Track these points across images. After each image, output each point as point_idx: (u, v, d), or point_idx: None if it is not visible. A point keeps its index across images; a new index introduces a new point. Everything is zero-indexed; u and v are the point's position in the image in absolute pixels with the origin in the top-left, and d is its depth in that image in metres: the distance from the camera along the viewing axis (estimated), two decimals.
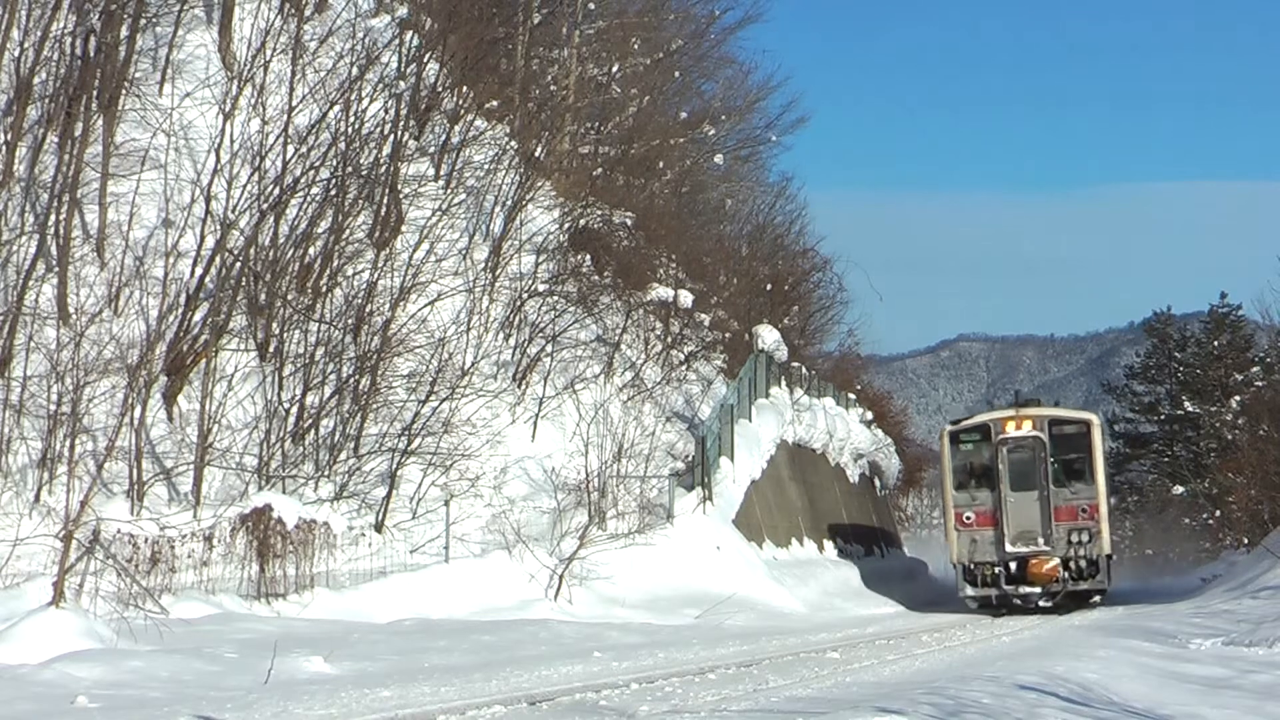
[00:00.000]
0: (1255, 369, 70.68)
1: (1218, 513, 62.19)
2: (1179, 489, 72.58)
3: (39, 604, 19.32)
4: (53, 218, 29.91)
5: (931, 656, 21.13)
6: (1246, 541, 51.34)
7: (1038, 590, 36.23)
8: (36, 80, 30.92)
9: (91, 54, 31.44)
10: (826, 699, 14.36)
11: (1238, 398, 68.19)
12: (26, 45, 30.90)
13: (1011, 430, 37.25)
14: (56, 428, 26.72)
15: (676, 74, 56.45)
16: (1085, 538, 36.30)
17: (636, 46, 53.18)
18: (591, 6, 51.36)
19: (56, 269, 29.52)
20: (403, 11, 40.32)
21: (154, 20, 34.36)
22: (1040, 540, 36.47)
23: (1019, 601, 36.24)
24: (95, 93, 31.50)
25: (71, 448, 26.65)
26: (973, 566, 36.50)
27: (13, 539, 23.56)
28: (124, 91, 32.50)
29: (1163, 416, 79.02)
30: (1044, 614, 35.32)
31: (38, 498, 26.12)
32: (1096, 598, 37.46)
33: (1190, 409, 75.00)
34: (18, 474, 26.60)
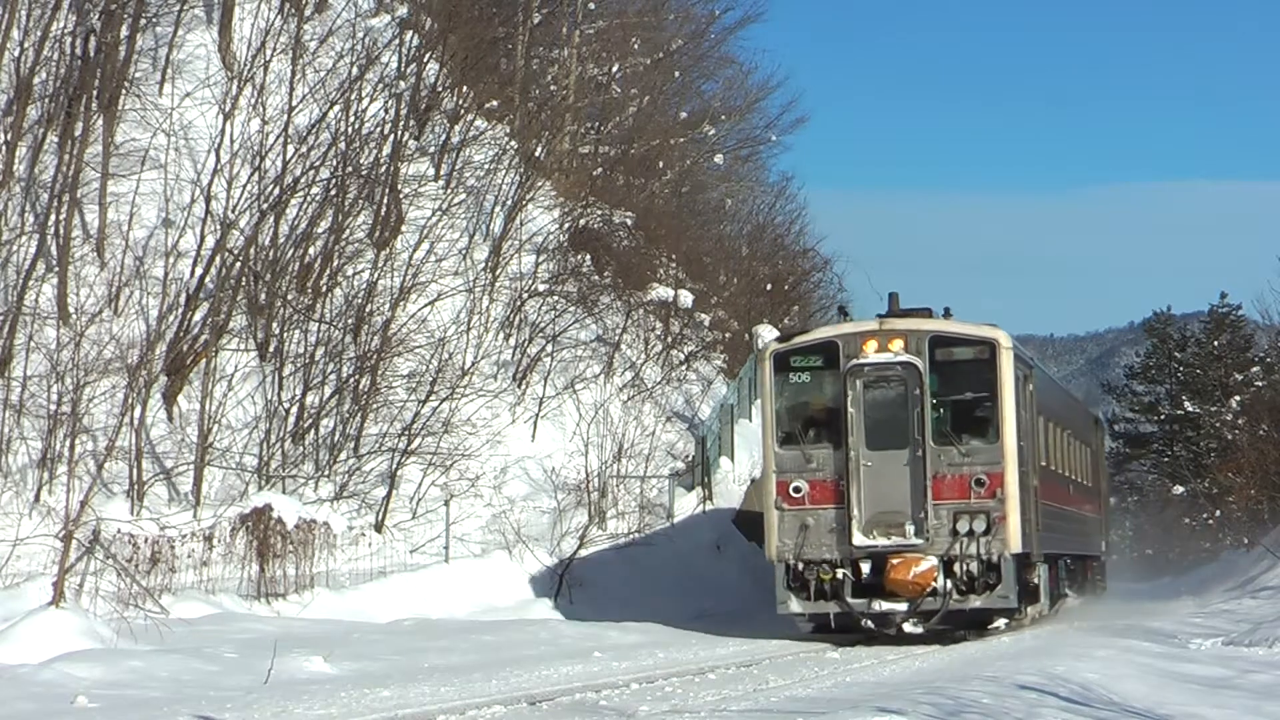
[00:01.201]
0: (1255, 369, 70.62)
1: (1218, 513, 62.17)
2: (1179, 489, 72.55)
3: (39, 604, 19.33)
4: (53, 218, 29.90)
5: (931, 656, 21.13)
6: (1246, 541, 51.30)
7: (901, 607, 23.86)
8: (36, 80, 30.92)
9: (91, 54, 31.43)
10: (826, 699, 14.37)
11: (1238, 398, 68.13)
12: (26, 45, 30.90)
13: (872, 354, 24.42)
14: (56, 428, 26.72)
15: (676, 74, 56.43)
16: (981, 526, 23.71)
17: (636, 46, 53.17)
18: (591, 6, 51.36)
19: (56, 269, 29.51)
20: (403, 11, 40.32)
21: (154, 20, 34.35)
22: (909, 528, 23.89)
23: (872, 624, 23.96)
24: (95, 93, 31.50)
25: (71, 448, 26.65)
26: (802, 566, 24.05)
27: (13, 539, 23.57)
28: (124, 91, 32.49)
29: (1163, 416, 79.00)
30: (915, 644, 23.41)
31: (38, 498, 26.13)
32: (1001, 622, 25.31)
33: (1190, 409, 74.97)
34: (18, 474, 26.60)
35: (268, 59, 34.75)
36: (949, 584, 23.87)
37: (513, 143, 43.77)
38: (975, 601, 24.06)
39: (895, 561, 23.80)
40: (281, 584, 26.13)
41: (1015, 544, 23.99)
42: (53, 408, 26.89)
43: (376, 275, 34.42)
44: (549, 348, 38.01)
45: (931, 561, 23.76)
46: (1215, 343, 76.45)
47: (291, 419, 30.59)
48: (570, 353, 38.68)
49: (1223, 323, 77.05)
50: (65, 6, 31.36)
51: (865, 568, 24.00)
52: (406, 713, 13.72)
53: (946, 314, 26.02)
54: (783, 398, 24.91)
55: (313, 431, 30.99)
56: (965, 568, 23.92)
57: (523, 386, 37.36)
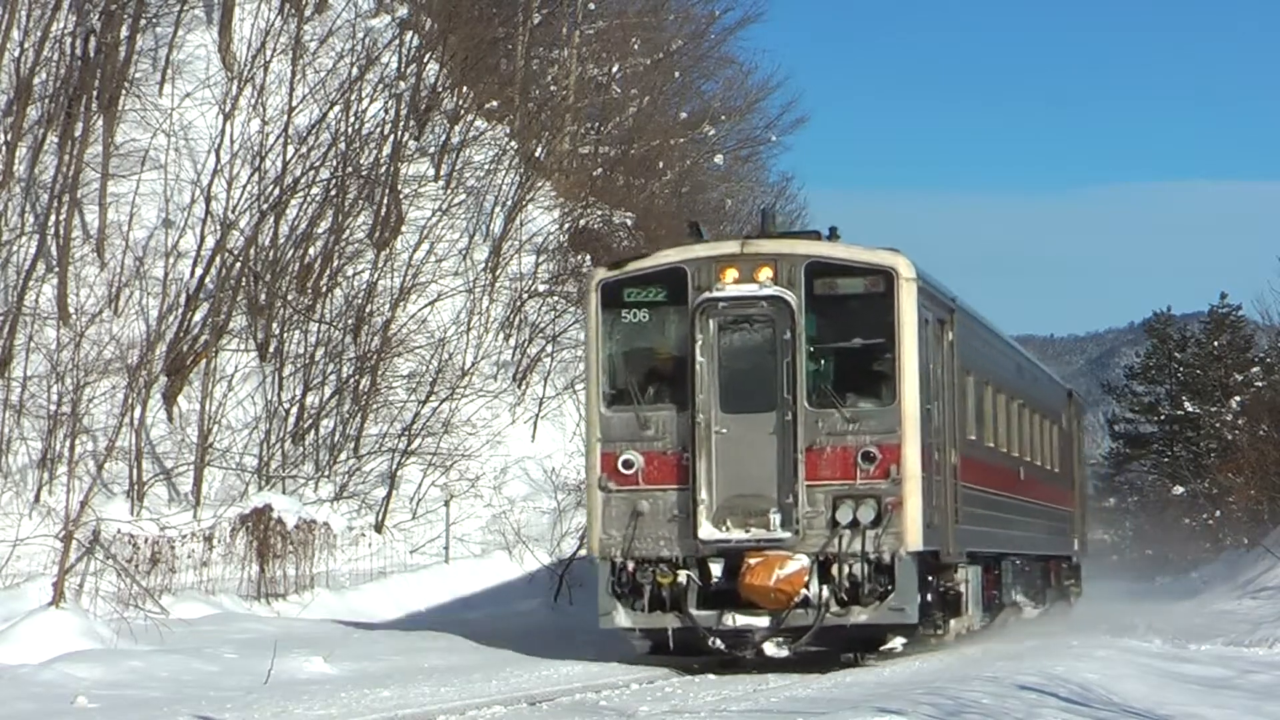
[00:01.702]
0: (1255, 369, 70.54)
1: (1218, 513, 62.15)
2: (1179, 489, 72.51)
3: (39, 604, 19.34)
4: (53, 218, 29.92)
5: (931, 657, 21.14)
6: (1246, 541, 51.30)
7: (762, 622, 18.45)
8: (36, 80, 30.94)
9: (91, 54, 31.45)
10: (826, 699, 14.36)
11: (1238, 398, 68.07)
12: (26, 45, 30.91)
13: (731, 285, 18.99)
14: (56, 428, 26.75)
15: (676, 74, 56.43)
16: (869, 515, 18.41)
17: (636, 46, 53.17)
18: (591, 6, 51.37)
19: (56, 269, 29.53)
20: (403, 11, 40.34)
21: (154, 20, 34.36)
22: (773, 517, 18.49)
23: (722, 645, 18.58)
24: (95, 93, 31.52)
25: (71, 448, 26.67)
26: (633, 566, 18.70)
27: (13, 539, 23.58)
28: (124, 92, 32.50)
29: (1163, 416, 78.92)
30: (785, 671, 18.28)
31: (38, 498, 26.15)
32: (897, 641, 19.44)
33: (1190, 409, 74.90)
34: (18, 474, 26.63)
35: (268, 59, 34.76)
36: (825, 592, 18.24)
37: (513, 143, 43.80)
38: (860, 615, 18.38)
39: (754, 561, 18.17)
40: (281, 584, 26.14)
41: (915, 539, 18.44)
42: (53, 408, 26.91)
43: (376, 275, 34.44)
44: (549, 348, 38.03)
45: (802, 562, 18.18)
46: (1215, 343, 76.38)
47: (291, 419, 30.61)
48: (570, 353, 38.70)
49: (1223, 323, 76.99)
50: (65, 6, 31.37)
51: (716, 569, 18.48)
52: (406, 713, 13.72)
53: (833, 235, 19.97)
54: (612, 342, 19.29)
55: (313, 432, 31.01)
56: (847, 570, 18.36)
57: (523, 387, 37.38)
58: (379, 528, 29.98)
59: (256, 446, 29.65)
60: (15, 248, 28.97)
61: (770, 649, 18.48)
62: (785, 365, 18.61)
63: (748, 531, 18.53)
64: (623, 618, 18.76)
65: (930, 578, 19.81)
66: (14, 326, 27.77)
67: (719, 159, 58.94)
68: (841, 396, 18.71)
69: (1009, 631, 25.34)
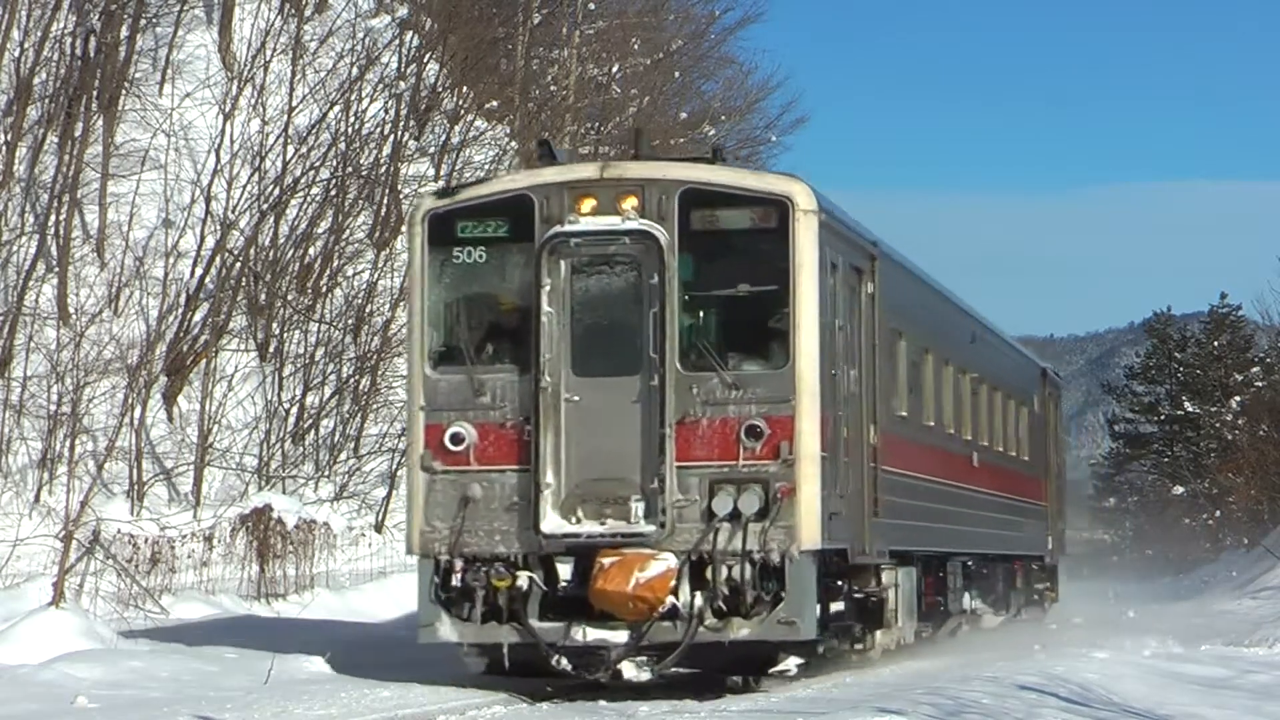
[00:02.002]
0: (1255, 369, 70.63)
1: (1218, 513, 62.19)
2: (1179, 489, 72.55)
3: (39, 604, 19.34)
4: (53, 218, 29.94)
5: (931, 658, 21.14)
6: (1246, 541, 51.32)
7: (620, 637, 15.15)
8: (36, 80, 30.96)
9: (91, 54, 31.46)
10: (826, 699, 14.37)
11: (1238, 398, 68.14)
12: (26, 45, 30.93)
13: (587, 218, 15.70)
14: (56, 428, 26.76)
15: (676, 74, 56.45)
16: (754, 504, 15.13)
17: (636, 46, 53.19)
18: (591, 6, 51.38)
19: (56, 269, 29.55)
20: (403, 11, 40.35)
21: (154, 20, 34.38)
22: (635, 506, 15.35)
23: (569, 665, 15.25)
24: (95, 93, 31.53)
25: (71, 448, 26.69)
26: (461, 565, 15.55)
27: (13, 539, 23.59)
28: (124, 91, 32.52)
29: (1163, 416, 78.99)
30: (650, 698, 14.84)
31: (38, 498, 26.16)
32: (790, 663, 15.87)
33: (1190, 409, 74.98)
34: (18, 474, 26.64)
35: (268, 59, 34.78)
36: (699, 600, 14.94)
37: (513, 143, 43.80)
38: (742, 629, 14.96)
39: (609, 562, 14.87)
40: (281, 584, 26.14)
41: (811, 534, 15.10)
42: (53, 408, 26.92)
43: (376, 275, 34.45)
44: None
45: (668, 562, 14.93)
46: (1215, 343, 76.46)
47: (291, 419, 30.63)
48: None
49: (1223, 323, 77.05)
50: (65, 6, 31.39)
51: (564, 570, 15.25)
52: (407, 713, 13.72)
53: (717, 156, 16.84)
54: (441, 288, 16.00)
55: (313, 432, 31.03)
56: (726, 573, 15.00)
57: None
58: (379, 528, 29.98)
59: (256, 446, 29.67)
60: (15, 248, 28.98)
61: (629, 670, 15.08)
62: (653, 317, 15.25)
63: (603, 524, 15.18)
64: (448, 630, 15.47)
65: (840, 582, 16.57)
66: (14, 326, 27.78)
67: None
68: (723, 357, 15.36)
69: (957, 644, 22.13)
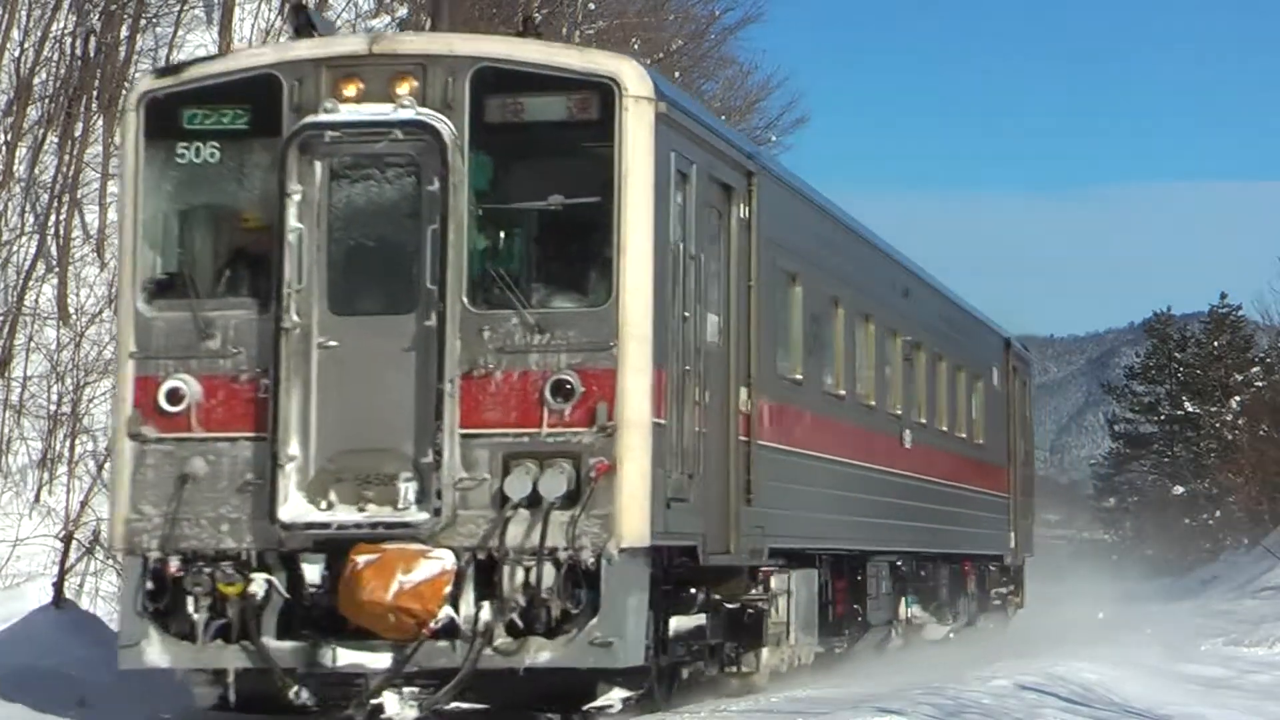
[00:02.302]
0: (1255, 369, 70.69)
1: (1218, 513, 62.23)
2: (1179, 489, 72.57)
3: (39, 604, 19.34)
4: (53, 218, 29.93)
5: (929, 656, 21.13)
6: (1246, 541, 51.34)
7: (381, 661, 11.54)
8: (36, 80, 30.95)
9: (91, 54, 31.46)
10: (826, 699, 14.36)
11: (1238, 398, 68.19)
12: (26, 45, 30.92)
13: (350, 106, 11.87)
14: (56, 428, 26.75)
15: (676, 74, 56.44)
16: (559, 485, 11.47)
17: (636, 46, 53.20)
18: (591, 6, 51.41)
19: (56, 269, 29.54)
20: (403, 11, 40.36)
21: (154, 20, 34.36)
22: (404, 488, 11.73)
23: (310, 700, 11.64)
24: (95, 93, 31.53)
25: (71, 448, 26.68)
26: (177, 565, 11.85)
27: (13, 539, 23.59)
28: (124, 91, 32.52)
29: (1163, 416, 79.02)
30: None
31: (38, 498, 26.16)
32: (613, 697, 12.27)
33: (1190, 409, 75.02)
34: (18, 474, 26.63)
35: None
36: (486, 613, 11.44)
37: None
38: (542, 653, 11.43)
39: (365, 561, 11.35)
40: None
41: (636, 526, 11.51)
42: (53, 408, 26.92)
43: None
44: None
45: (444, 562, 11.43)
46: (1215, 343, 76.49)
47: None
48: None
49: (1223, 323, 77.07)
50: (65, 6, 31.37)
51: (311, 572, 11.67)
52: None
53: (528, 28, 13.44)
54: (160, 196, 12.24)
55: None
56: (523, 578, 11.43)
57: None
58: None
59: None
60: (15, 248, 28.98)
61: (393, 705, 11.55)
62: (432, 238, 11.58)
63: (362, 510, 11.58)
64: (157, 651, 11.76)
65: (695, 590, 13.23)
66: (14, 326, 27.77)
67: None
68: (525, 290, 11.66)
69: (881, 661, 18.96)
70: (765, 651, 14.81)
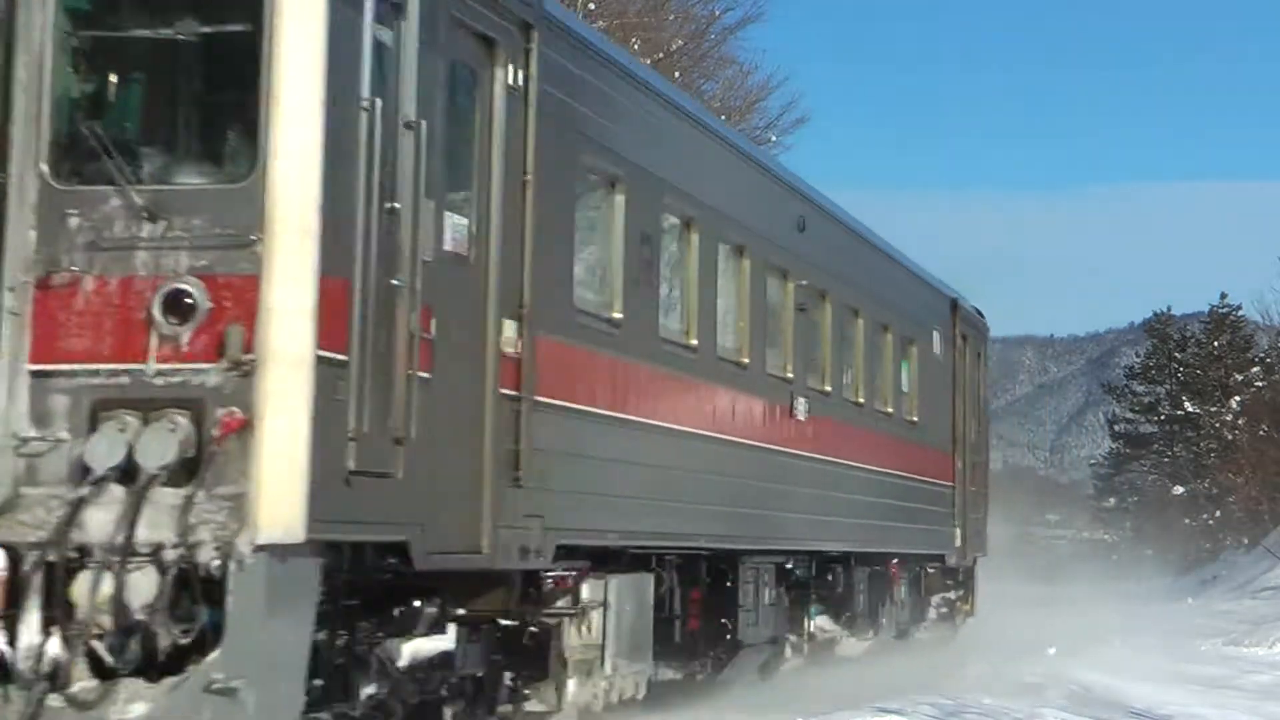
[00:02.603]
0: (1255, 369, 70.65)
1: (1218, 513, 62.24)
2: (1179, 489, 72.58)
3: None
4: None
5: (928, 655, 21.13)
6: (1246, 541, 51.37)
7: None
8: None
9: None
10: (827, 697, 14.36)
11: (1238, 398, 68.16)
12: None
13: None
14: None
15: (676, 74, 56.48)
16: (166, 450, 7.54)
17: (636, 46, 53.25)
18: (592, 6, 51.43)
19: None
20: None
21: None
22: None
23: None
24: None
25: None
26: None
27: None
28: None
29: (1163, 416, 78.99)
30: None
31: None
32: None
33: (1190, 409, 74.99)
34: None
35: None
36: (54, 645, 7.68)
37: None
38: (134, 705, 7.57)
39: None
40: None
41: (286, 512, 7.77)
42: None
43: None
44: None
45: None
46: (1215, 343, 76.47)
47: None
48: None
49: (1223, 323, 77.05)
50: None
51: None
52: None
53: None
54: None
55: None
56: (110, 590, 7.67)
57: None
58: None
59: None
60: None
61: None
62: None
63: None
64: None
65: (425, 603, 9.40)
66: None
67: None
68: (133, 158, 8.04)
69: (772, 685, 15.48)
70: (571, 684, 10.90)
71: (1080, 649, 21.47)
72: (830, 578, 17.26)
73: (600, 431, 11.18)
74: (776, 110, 63.47)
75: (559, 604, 10.75)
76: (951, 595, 22.84)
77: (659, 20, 56.54)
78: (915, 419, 20.09)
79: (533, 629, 10.54)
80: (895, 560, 19.58)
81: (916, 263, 21.36)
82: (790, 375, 15.27)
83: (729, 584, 14.02)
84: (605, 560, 11.38)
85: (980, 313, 24.70)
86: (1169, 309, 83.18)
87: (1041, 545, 74.71)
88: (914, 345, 20.11)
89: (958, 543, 22.07)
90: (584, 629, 11.05)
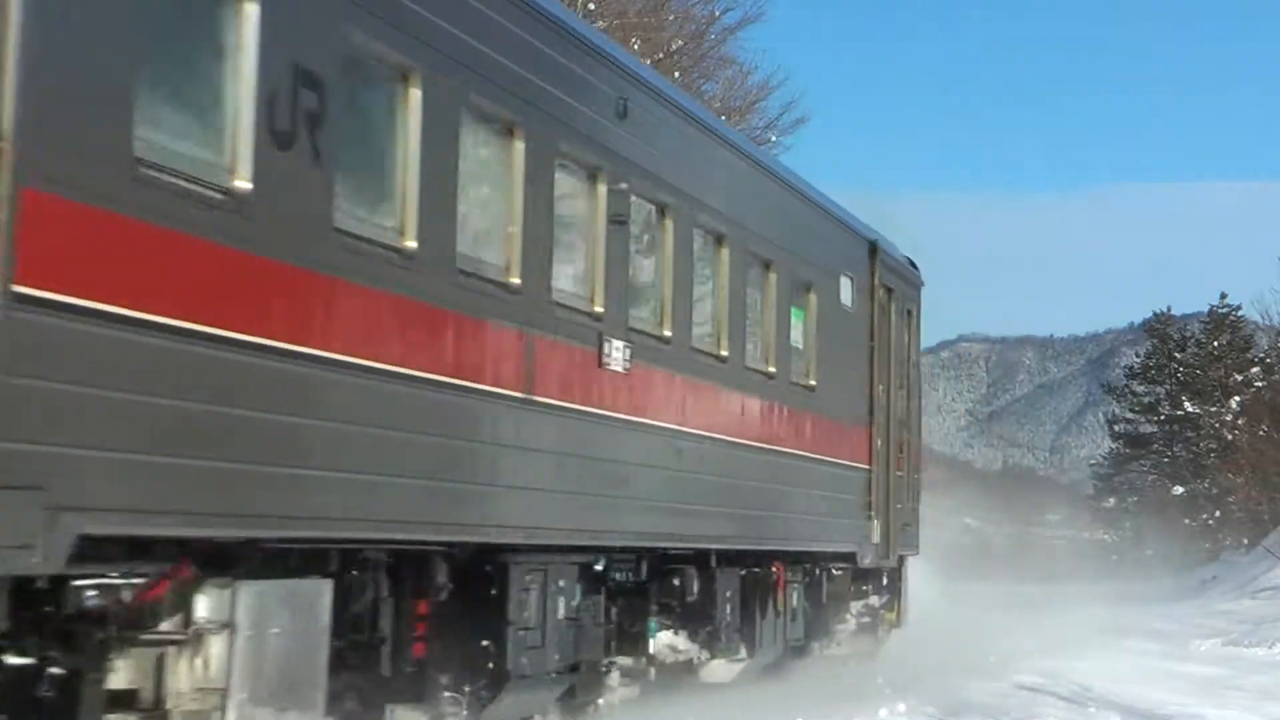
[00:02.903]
0: (1255, 369, 70.67)
1: (1218, 513, 62.24)
2: (1179, 489, 72.58)
3: None
4: None
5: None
6: (1246, 541, 51.37)
7: None
8: None
9: None
10: (827, 695, 14.36)
11: (1238, 398, 68.19)
12: None
13: None
14: None
15: (676, 74, 56.52)
16: None
17: (636, 46, 53.28)
18: (591, 6, 51.44)
19: None
20: None
21: None
22: None
23: None
24: None
25: None
26: None
27: None
28: None
29: (1163, 417, 78.99)
30: None
31: None
32: None
33: (1190, 409, 75.01)
34: None
35: None
36: None
37: None
38: None
39: None
40: None
41: None
42: None
43: None
44: None
45: None
46: (1215, 343, 76.48)
47: None
48: None
49: (1223, 323, 77.06)
50: None
51: None
52: None
53: None
54: None
55: None
56: None
57: None
58: None
59: None
60: None
61: None
62: None
63: None
64: None
65: None
66: None
67: None
68: None
69: None
70: None
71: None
72: (678, 583, 13.11)
73: (187, 359, 7.00)
74: (776, 110, 63.61)
75: (189, 625, 7.37)
76: (872, 603, 18.45)
77: (659, 20, 56.55)
78: (812, 383, 15.98)
79: (55, 671, 6.73)
80: (778, 561, 15.27)
81: (825, 194, 17.38)
82: (598, 309, 11.34)
83: (494, 593, 10.15)
84: (235, 559, 7.66)
85: (914, 264, 20.63)
86: (1169, 309, 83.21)
87: (1043, 545, 74.74)
88: (811, 292, 15.98)
89: (875, 538, 17.49)
90: (196, 663, 7.44)
